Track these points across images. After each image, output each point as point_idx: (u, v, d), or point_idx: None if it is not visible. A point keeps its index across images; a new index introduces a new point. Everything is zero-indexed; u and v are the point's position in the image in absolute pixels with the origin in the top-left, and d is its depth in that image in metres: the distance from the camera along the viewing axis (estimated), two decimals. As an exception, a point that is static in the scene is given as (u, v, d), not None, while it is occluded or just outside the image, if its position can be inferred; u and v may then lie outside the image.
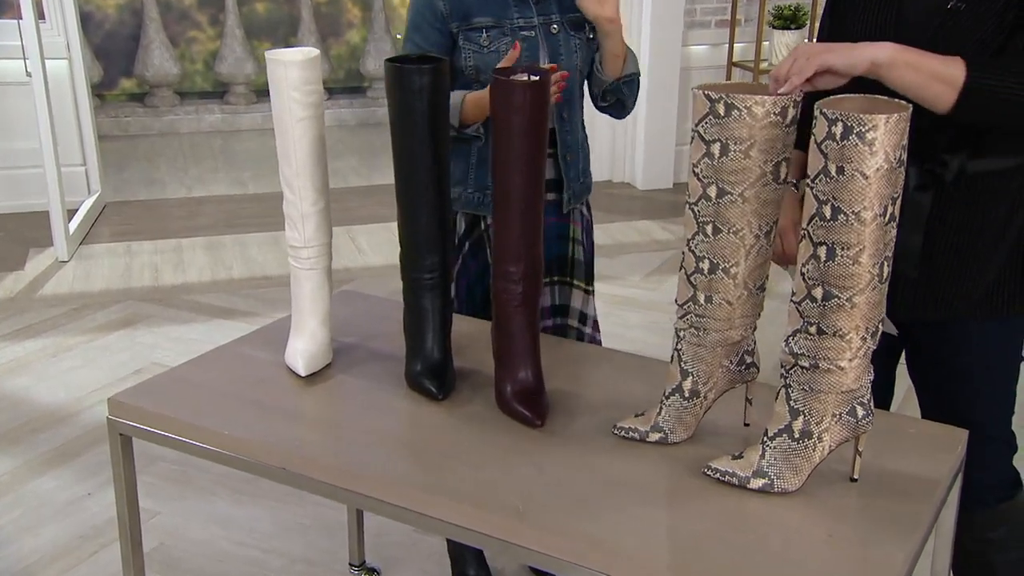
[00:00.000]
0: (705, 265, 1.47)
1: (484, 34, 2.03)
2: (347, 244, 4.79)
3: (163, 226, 5.08)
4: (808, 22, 5.49)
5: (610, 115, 2.22)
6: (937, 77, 1.54)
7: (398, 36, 7.50)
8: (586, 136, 2.24)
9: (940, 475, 1.52)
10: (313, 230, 1.79)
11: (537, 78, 1.65)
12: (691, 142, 1.43)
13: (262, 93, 7.36)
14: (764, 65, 5.47)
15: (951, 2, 1.64)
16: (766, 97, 1.36)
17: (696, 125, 1.41)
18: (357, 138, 6.90)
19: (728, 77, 5.67)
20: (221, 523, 2.68)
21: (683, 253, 1.50)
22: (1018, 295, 1.80)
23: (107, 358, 3.63)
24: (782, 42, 5.45)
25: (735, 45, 5.61)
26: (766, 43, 5.46)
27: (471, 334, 1.94)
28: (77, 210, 4.99)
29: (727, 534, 1.37)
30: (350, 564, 2.46)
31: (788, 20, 5.41)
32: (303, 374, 1.79)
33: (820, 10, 5.59)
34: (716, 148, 1.40)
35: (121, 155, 6.34)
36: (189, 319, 3.95)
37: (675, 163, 5.73)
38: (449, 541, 2.40)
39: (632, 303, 4.10)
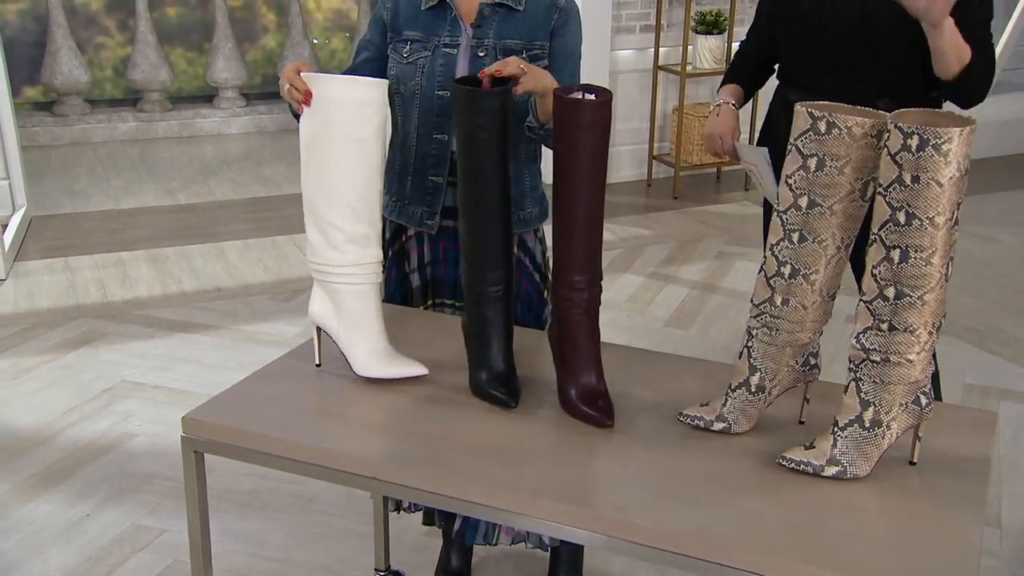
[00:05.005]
0: (787, 270, 1.58)
1: (408, 46, 2.10)
2: (295, 252, 4.77)
3: (97, 240, 4.96)
4: (728, 27, 5.71)
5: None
6: (957, 52, 2.14)
7: (315, 40, 7.46)
8: (521, 167, 2.15)
9: (987, 454, 1.67)
10: (379, 246, 1.84)
11: (593, 96, 1.73)
12: (787, 155, 1.54)
13: (177, 100, 7.23)
14: (689, 68, 5.66)
15: None
16: (866, 119, 1.48)
17: (795, 139, 1.52)
18: (281, 144, 6.83)
19: (654, 80, 5.85)
20: (231, 537, 2.68)
21: (764, 256, 1.61)
22: None
23: (72, 377, 3.55)
24: (705, 46, 5.65)
25: (660, 49, 5.79)
26: (690, 47, 5.65)
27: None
28: (7, 226, 4.83)
29: (821, 520, 1.48)
30: (376, 569, 2.49)
31: (711, 25, 5.62)
32: (383, 377, 1.82)
33: (739, 16, 5.85)
34: (813, 162, 1.51)
35: (35, 167, 6.13)
36: (149, 335, 3.89)
37: (610, 166, 5.89)
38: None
39: (592, 303, 4.21)
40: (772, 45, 2.50)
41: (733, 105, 2.52)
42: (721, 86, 2.59)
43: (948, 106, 2.31)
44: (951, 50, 2.14)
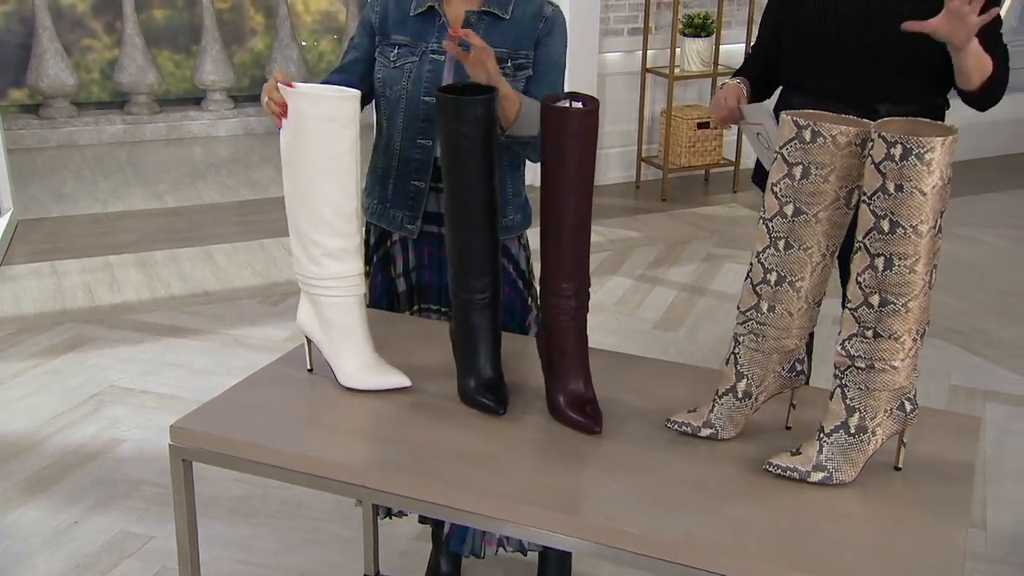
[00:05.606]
0: (772, 277, 1.59)
1: (395, 50, 2.11)
2: (283, 256, 4.76)
3: (85, 244, 4.95)
4: (716, 30, 5.72)
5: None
6: (980, 65, 2.16)
7: (303, 43, 7.45)
8: (504, 174, 2.15)
9: (972, 459, 1.68)
10: (359, 259, 1.83)
11: (581, 104, 1.74)
12: (773, 163, 1.55)
13: (165, 102, 7.22)
14: (677, 71, 5.67)
15: None
16: (851, 128, 1.49)
17: (781, 148, 1.53)
18: (269, 147, 6.82)
19: (643, 83, 5.87)
20: (220, 544, 2.68)
21: (751, 264, 1.62)
22: None
23: (59, 383, 3.54)
24: (693, 49, 5.67)
25: (648, 52, 5.81)
26: (678, 49, 5.66)
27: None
28: (-7, 230, 4.82)
29: (807, 525, 1.49)
30: (365, 575, 2.50)
31: (698, 28, 5.64)
32: (366, 388, 1.82)
33: (726, 19, 5.87)
34: (798, 171, 1.52)
35: (21, 170, 6.09)
36: (138, 339, 3.88)
37: (598, 168, 5.90)
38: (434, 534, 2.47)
39: (581, 306, 4.22)
40: (778, 50, 2.48)
41: (741, 84, 2.46)
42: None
43: (950, 114, 2.32)
44: (975, 67, 2.17)
